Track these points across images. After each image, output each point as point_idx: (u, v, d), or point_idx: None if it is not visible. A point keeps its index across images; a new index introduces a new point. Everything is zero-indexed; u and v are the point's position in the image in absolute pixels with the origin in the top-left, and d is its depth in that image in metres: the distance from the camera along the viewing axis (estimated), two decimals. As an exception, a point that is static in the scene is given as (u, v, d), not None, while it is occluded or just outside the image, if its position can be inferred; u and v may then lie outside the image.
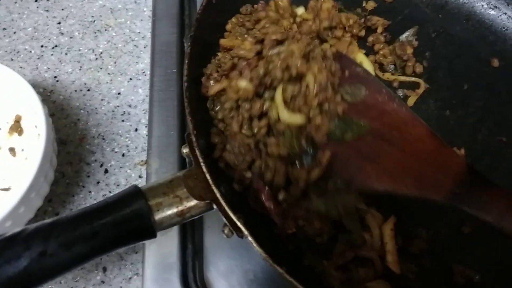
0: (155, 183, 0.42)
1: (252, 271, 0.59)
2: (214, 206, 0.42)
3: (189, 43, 0.49)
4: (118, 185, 0.66)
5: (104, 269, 0.61)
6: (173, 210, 0.41)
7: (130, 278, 0.60)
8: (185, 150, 0.45)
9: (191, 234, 0.60)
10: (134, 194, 0.40)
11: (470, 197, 0.42)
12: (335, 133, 0.48)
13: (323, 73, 0.49)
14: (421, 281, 0.49)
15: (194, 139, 0.43)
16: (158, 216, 0.40)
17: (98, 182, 0.66)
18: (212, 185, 0.41)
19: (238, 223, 0.40)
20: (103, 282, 0.60)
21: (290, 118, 0.49)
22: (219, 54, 0.57)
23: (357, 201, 0.51)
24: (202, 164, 0.42)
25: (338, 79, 0.51)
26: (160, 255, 0.59)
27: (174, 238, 0.59)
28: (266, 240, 0.42)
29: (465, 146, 0.60)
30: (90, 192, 0.66)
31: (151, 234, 0.40)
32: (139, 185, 0.43)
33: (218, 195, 0.41)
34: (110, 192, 0.65)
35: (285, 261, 0.41)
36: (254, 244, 0.40)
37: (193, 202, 0.41)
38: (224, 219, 0.41)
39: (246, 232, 0.40)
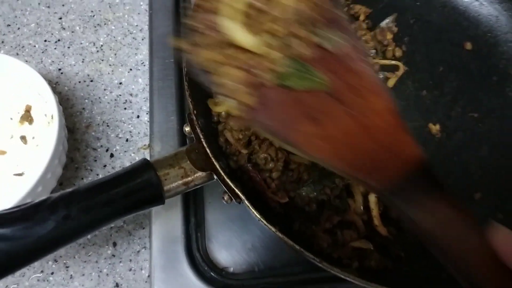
0: (161, 157, 0.47)
1: (250, 241, 0.64)
2: (215, 176, 0.48)
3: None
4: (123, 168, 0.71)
5: (114, 244, 0.66)
6: (179, 180, 0.46)
7: (138, 251, 0.66)
8: (187, 129, 0.50)
9: (193, 209, 0.66)
10: (145, 166, 0.45)
11: (413, 198, 0.36)
12: (287, 76, 0.38)
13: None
14: (400, 241, 0.55)
15: (194, 118, 0.48)
16: (167, 185, 0.46)
17: (104, 166, 0.72)
18: (212, 158, 0.47)
19: (236, 190, 0.46)
20: (113, 255, 0.65)
21: (242, 37, 0.38)
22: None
23: (343, 179, 0.56)
24: (202, 139, 0.47)
25: (319, 15, 0.40)
26: (165, 229, 0.64)
27: (178, 213, 0.65)
28: (260, 207, 0.48)
29: (440, 122, 0.66)
30: (97, 175, 0.71)
31: (160, 201, 0.45)
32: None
33: (217, 166, 0.46)
34: (116, 174, 0.71)
35: (278, 225, 0.47)
36: (250, 208, 0.45)
37: (196, 173, 0.47)
38: (224, 187, 0.47)
39: (243, 197, 0.45)
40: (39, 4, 0.86)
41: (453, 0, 0.76)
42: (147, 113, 0.75)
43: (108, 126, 0.75)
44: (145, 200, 0.44)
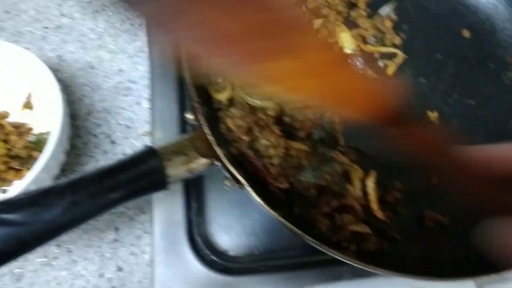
0: (166, 144, 0.48)
1: (249, 226, 0.66)
2: (217, 163, 0.49)
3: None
4: (124, 154, 0.72)
5: (116, 229, 0.68)
6: (183, 166, 0.47)
7: (140, 236, 0.67)
8: (190, 116, 0.51)
9: (194, 194, 0.67)
10: (150, 153, 0.46)
11: None
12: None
13: None
14: (396, 225, 0.57)
15: (197, 106, 0.49)
16: (170, 171, 0.47)
17: (105, 152, 0.72)
18: (214, 145, 0.48)
19: (238, 175, 0.47)
20: (116, 240, 0.67)
21: None
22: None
23: (341, 165, 0.58)
24: (205, 126, 0.48)
25: None
26: (167, 214, 0.66)
27: (179, 198, 0.66)
28: (261, 193, 0.49)
29: (437, 109, 0.67)
30: (98, 161, 0.72)
31: (163, 187, 0.47)
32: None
33: (219, 153, 0.47)
34: (118, 160, 0.71)
35: (279, 209, 0.48)
36: (252, 193, 0.47)
37: (199, 159, 0.48)
38: (226, 173, 0.48)
39: (245, 183, 0.47)
40: (37, -10, 0.86)
41: (452, -13, 0.76)
42: (147, 100, 0.75)
43: (109, 113, 0.75)
44: (149, 185, 0.45)
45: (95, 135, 0.74)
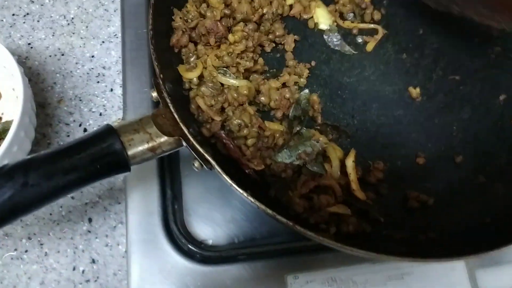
0: (125, 122, 0.45)
1: (229, 213, 0.63)
2: (184, 143, 0.46)
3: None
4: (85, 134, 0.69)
5: (90, 220, 0.65)
6: (145, 145, 0.44)
7: (114, 226, 0.64)
8: (154, 94, 0.48)
9: (169, 181, 0.64)
10: (107, 131, 0.43)
11: None
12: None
13: None
14: (379, 206, 0.54)
15: (161, 82, 0.46)
16: (131, 150, 0.44)
17: (78, 141, 0.69)
18: (180, 123, 0.45)
19: (206, 155, 0.44)
20: (89, 231, 0.64)
21: None
22: (187, 5, 0.60)
23: (319, 144, 0.55)
24: (169, 103, 0.45)
25: None
26: (141, 203, 0.63)
27: (154, 186, 0.63)
28: (235, 175, 0.46)
29: (420, 85, 0.64)
30: (71, 150, 0.69)
31: (125, 167, 0.43)
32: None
33: (185, 131, 0.44)
34: (90, 149, 0.68)
35: (252, 190, 0.45)
36: (221, 173, 0.44)
37: (163, 138, 0.45)
38: (193, 153, 0.45)
39: (213, 162, 0.44)
40: (5, -24, 0.83)
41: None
42: (120, 86, 0.72)
43: (80, 100, 0.72)
44: (109, 166, 0.42)
45: (67, 124, 0.71)
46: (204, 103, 0.53)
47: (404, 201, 0.56)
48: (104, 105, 0.72)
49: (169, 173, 0.64)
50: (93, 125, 0.70)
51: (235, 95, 0.55)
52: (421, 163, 0.59)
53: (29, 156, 0.40)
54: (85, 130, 0.70)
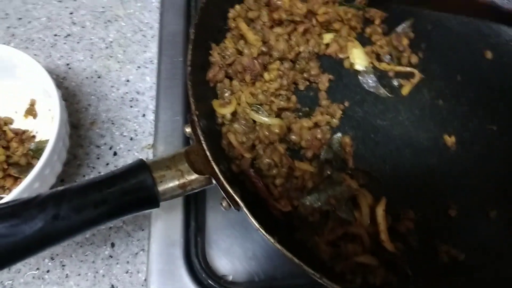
0: (158, 158, 0.45)
1: (251, 250, 0.62)
2: (213, 181, 0.46)
3: (193, 30, 0.52)
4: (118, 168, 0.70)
5: (112, 245, 0.65)
6: (175, 182, 0.44)
7: (136, 253, 0.64)
8: (187, 130, 0.48)
9: (194, 212, 0.64)
10: (140, 166, 0.43)
11: None
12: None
13: None
14: (408, 258, 0.52)
15: (196, 119, 0.46)
16: (161, 187, 0.44)
17: (107, 164, 0.70)
18: (212, 161, 0.45)
19: (235, 196, 0.44)
20: (111, 256, 0.64)
21: None
22: (225, 41, 0.60)
23: (349, 190, 0.54)
24: (202, 141, 0.45)
25: None
26: (164, 232, 0.62)
27: (178, 216, 0.63)
28: (261, 215, 0.46)
29: (456, 134, 0.62)
30: (99, 173, 0.70)
31: (155, 204, 0.43)
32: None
33: (216, 169, 0.44)
34: (118, 173, 0.69)
35: (278, 234, 0.44)
36: (249, 215, 0.43)
37: (194, 176, 0.45)
38: (222, 192, 0.45)
39: (241, 204, 0.43)
40: (51, -2, 0.86)
41: (475, 7, 0.73)
42: (152, 112, 0.73)
43: (113, 123, 0.73)
44: (139, 201, 0.42)
45: (98, 146, 0.72)
46: (236, 140, 0.53)
47: (433, 255, 0.54)
48: (135, 130, 0.73)
49: (194, 204, 0.64)
50: (123, 149, 0.71)
51: (266, 133, 0.55)
52: (453, 215, 0.57)
53: (61, 188, 0.40)
54: (115, 153, 0.71)
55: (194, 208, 0.63)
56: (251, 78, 0.57)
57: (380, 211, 0.52)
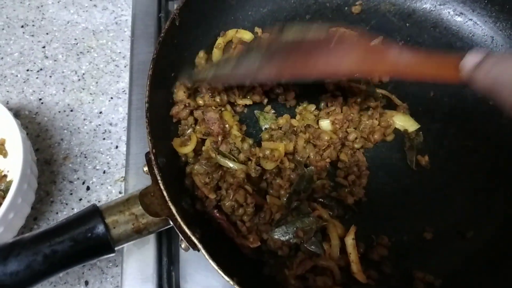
0: (112, 202, 0.44)
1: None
2: (171, 222, 0.44)
3: (150, 66, 0.51)
4: (99, 201, 0.69)
5: (86, 283, 0.63)
6: (129, 226, 0.43)
7: (111, 291, 0.63)
8: (145, 169, 0.47)
9: (166, 247, 0.62)
10: (91, 212, 0.42)
11: None
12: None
13: None
14: (382, 286, 0.50)
15: (152, 158, 0.45)
16: (115, 233, 0.42)
17: (80, 199, 0.69)
18: (169, 202, 0.43)
19: (193, 238, 0.42)
20: (85, 295, 0.62)
21: None
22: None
23: (318, 221, 0.52)
24: (159, 181, 0.44)
25: None
26: (137, 268, 0.61)
27: (150, 251, 0.62)
28: (226, 251, 0.44)
29: (429, 153, 0.61)
30: (73, 209, 0.69)
31: (109, 250, 0.42)
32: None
33: (174, 211, 0.43)
34: (91, 208, 0.68)
35: (245, 270, 0.43)
36: (207, 257, 0.42)
37: (149, 219, 0.43)
38: (180, 234, 0.44)
39: (200, 246, 0.42)
40: (23, 33, 0.86)
41: (445, 20, 0.72)
42: (125, 144, 0.72)
43: (85, 157, 0.73)
44: (91, 250, 0.41)
45: (70, 181, 0.71)
46: (199, 181, 0.52)
47: (409, 282, 0.52)
48: (108, 163, 0.72)
49: (166, 238, 0.63)
50: (96, 183, 0.70)
51: (231, 180, 0.53)
52: (429, 238, 0.55)
53: (11, 241, 0.39)
54: (88, 188, 0.70)
55: (166, 242, 0.62)
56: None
57: (349, 240, 0.51)
